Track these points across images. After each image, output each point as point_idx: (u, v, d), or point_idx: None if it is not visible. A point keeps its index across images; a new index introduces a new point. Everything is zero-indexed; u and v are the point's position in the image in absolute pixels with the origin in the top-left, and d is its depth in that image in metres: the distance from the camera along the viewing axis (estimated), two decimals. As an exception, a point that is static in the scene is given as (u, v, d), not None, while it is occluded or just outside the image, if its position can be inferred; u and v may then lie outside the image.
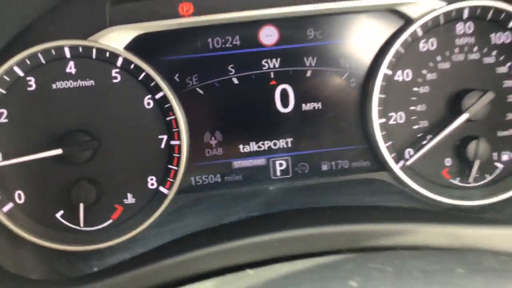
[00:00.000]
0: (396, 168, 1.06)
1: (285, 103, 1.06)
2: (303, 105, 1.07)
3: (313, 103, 1.07)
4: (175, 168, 1.03)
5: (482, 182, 1.08)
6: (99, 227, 1.04)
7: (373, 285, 0.47)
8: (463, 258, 0.58)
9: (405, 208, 1.00)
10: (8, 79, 1.01)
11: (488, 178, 1.07)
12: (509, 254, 0.65)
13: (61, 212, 1.02)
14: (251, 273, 0.58)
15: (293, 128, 1.08)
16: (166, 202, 1.03)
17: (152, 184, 1.04)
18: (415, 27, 1.03)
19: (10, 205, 1.02)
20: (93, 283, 0.80)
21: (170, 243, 0.89)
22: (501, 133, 1.07)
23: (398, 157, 1.06)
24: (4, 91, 1.00)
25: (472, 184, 1.07)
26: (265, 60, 1.05)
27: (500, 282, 0.50)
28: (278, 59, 1.06)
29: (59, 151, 0.98)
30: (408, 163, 1.05)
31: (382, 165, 1.07)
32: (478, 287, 0.48)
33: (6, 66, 0.99)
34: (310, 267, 0.55)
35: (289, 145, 1.08)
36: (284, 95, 1.06)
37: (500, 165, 1.07)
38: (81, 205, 0.99)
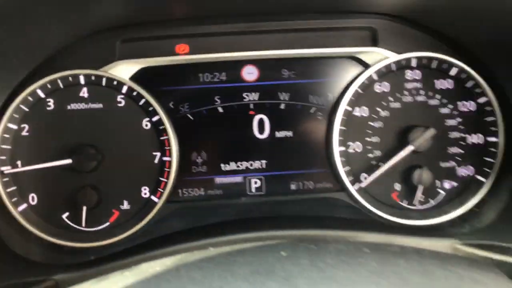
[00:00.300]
0: (352, 189, 1.21)
1: (261, 130, 1.22)
2: (277, 132, 1.22)
3: (285, 131, 1.22)
4: (166, 180, 1.18)
5: (426, 206, 1.22)
6: (98, 228, 1.18)
7: (298, 255, 0.65)
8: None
9: (354, 219, 1.17)
10: (31, 99, 1.16)
11: (432, 202, 1.22)
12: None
13: (67, 213, 1.17)
14: (212, 250, 0.75)
15: (267, 152, 1.23)
16: (156, 209, 1.18)
17: (145, 194, 1.19)
18: (370, 72, 1.20)
19: (24, 206, 1.16)
20: (89, 268, 0.97)
21: (156, 239, 1.05)
22: (443, 164, 1.23)
23: (355, 180, 1.22)
24: (27, 109, 1.16)
25: (417, 207, 1.22)
26: (246, 93, 1.22)
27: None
28: (257, 93, 1.22)
29: (69, 161, 1.14)
30: (363, 185, 1.21)
31: (341, 186, 1.22)
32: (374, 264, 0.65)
33: (30, 88, 1.15)
34: (255, 247, 0.72)
35: (263, 166, 1.22)
36: (261, 123, 1.22)
37: (442, 192, 1.22)
38: (84, 208, 1.14)
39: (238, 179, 1.23)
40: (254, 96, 1.23)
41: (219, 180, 1.23)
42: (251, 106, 1.23)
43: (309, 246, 0.69)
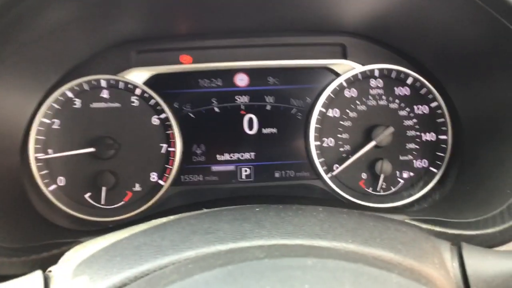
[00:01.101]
0: (326, 177, 1.42)
1: (250, 127, 1.43)
2: (263, 129, 1.43)
3: (270, 128, 1.43)
4: (171, 167, 1.39)
5: (388, 192, 1.43)
6: (115, 206, 1.37)
7: (268, 210, 0.89)
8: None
9: (326, 200, 1.39)
10: (61, 98, 1.34)
11: (393, 189, 1.43)
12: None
13: (89, 193, 1.36)
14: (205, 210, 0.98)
15: (255, 146, 1.43)
16: (162, 191, 1.38)
17: (153, 178, 1.39)
18: (341, 80, 1.40)
19: (54, 186, 1.34)
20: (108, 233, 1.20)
21: (161, 212, 1.29)
22: (402, 158, 1.43)
23: (328, 170, 1.42)
24: (58, 107, 1.34)
25: (381, 193, 1.43)
26: (237, 96, 1.42)
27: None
28: (247, 96, 1.42)
29: (92, 150, 1.34)
30: (334, 173, 1.42)
31: (316, 175, 1.43)
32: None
33: (61, 90, 1.34)
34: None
35: (252, 157, 1.43)
36: (250, 121, 1.42)
37: (401, 180, 1.43)
38: (104, 189, 1.35)
39: (231, 167, 1.44)
40: (244, 99, 1.43)
41: (215, 168, 1.44)
42: (242, 107, 1.43)
43: (278, 206, 0.93)
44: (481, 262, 0.83)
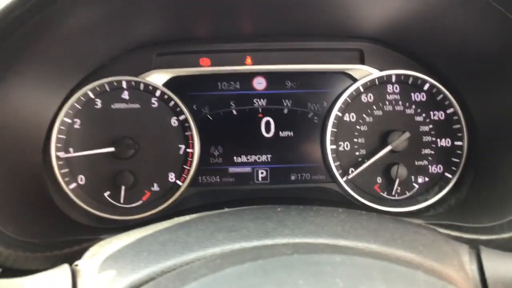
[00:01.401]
0: (341, 181, 1.43)
1: (267, 130, 1.44)
2: (280, 132, 1.44)
3: (287, 132, 1.45)
4: (188, 168, 1.41)
5: (403, 197, 1.44)
6: (133, 205, 1.39)
7: (290, 210, 0.90)
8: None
9: (342, 203, 1.41)
10: (83, 99, 1.37)
11: (408, 194, 1.44)
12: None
13: (108, 192, 1.39)
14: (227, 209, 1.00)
15: (272, 148, 1.45)
16: (180, 191, 1.40)
17: (172, 178, 1.41)
18: (358, 85, 1.42)
19: (74, 184, 1.37)
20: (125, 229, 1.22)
21: (179, 211, 1.31)
22: (417, 163, 1.44)
23: (343, 173, 1.44)
24: (79, 107, 1.37)
25: (396, 198, 1.44)
26: (255, 99, 1.44)
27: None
28: (265, 99, 1.44)
29: (111, 149, 1.36)
30: (350, 177, 1.43)
31: (332, 178, 1.44)
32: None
33: (83, 91, 1.37)
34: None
35: (269, 160, 1.45)
36: (267, 124, 1.44)
37: (416, 186, 1.44)
38: (123, 188, 1.38)
39: (247, 169, 1.46)
40: (262, 102, 1.46)
41: (232, 169, 1.46)
42: (260, 110, 1.45)
43: (299, 207, 0.95)
44: (499, 265, 0.84)
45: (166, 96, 1.42)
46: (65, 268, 0.82)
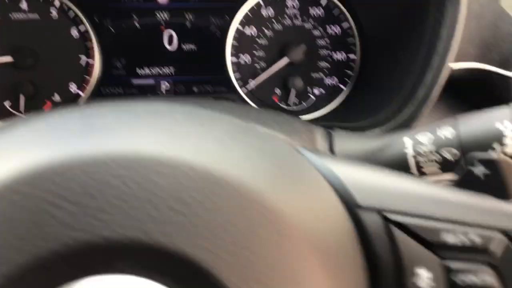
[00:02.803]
0: (241, 92, 1.49)
1: (170, 43, 1.47)
2: (183, 45, 1.47)
3: (189, 45, 1.47)
4: (89, 78, 1.43)
5: (299, 108, 1.51)
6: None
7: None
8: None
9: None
10: None
11: (304, 105, 1.51)
12: None
13: (9, 102, 1.39)
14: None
15: (175, 61, 1.47)
16: (81, 102, 1.44)
17: (73, 89, 1.43)
18: None
19: None
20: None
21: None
22: (314, 75, 1.50)
23: (243, 85, 1.49)
24: None
25: (292, 108, 1.51)
26: (158, 12, 1.45)
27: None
28: (168, 12, 1.46)
29: (9, 58, 1.36)
30: (250, 88, 1.50)
31: (233, 90, 1.49)
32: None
33: None
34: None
35: (172, 72, 1.48)
36: (170, 37, 1.46)
37: (312, 97, 1.52)
38: (22, 97, 1.39)
39: (150, 81, 1.49)
40: (165, 15, 1.47)
41: (135, 81, 1.48)
42: (162, 23, 1.47)
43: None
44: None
45: (65, 7, 1.42)
46: None
